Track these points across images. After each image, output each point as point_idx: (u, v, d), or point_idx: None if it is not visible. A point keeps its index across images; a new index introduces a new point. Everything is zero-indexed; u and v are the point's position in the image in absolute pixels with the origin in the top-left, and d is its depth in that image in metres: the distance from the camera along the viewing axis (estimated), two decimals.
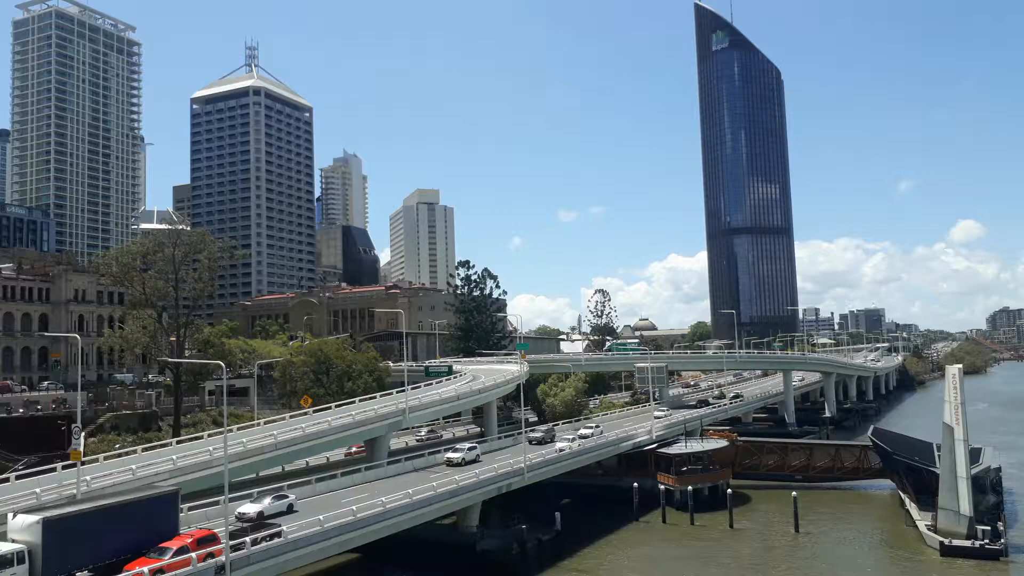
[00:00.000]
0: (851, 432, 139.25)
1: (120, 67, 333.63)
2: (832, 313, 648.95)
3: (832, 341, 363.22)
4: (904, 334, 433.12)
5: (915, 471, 74.51)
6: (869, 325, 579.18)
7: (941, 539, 63.73)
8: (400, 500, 57.59)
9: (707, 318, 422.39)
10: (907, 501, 76.22)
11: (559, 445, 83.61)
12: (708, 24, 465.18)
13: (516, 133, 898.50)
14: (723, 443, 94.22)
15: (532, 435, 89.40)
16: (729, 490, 78.67)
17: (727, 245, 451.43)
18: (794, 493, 74.87)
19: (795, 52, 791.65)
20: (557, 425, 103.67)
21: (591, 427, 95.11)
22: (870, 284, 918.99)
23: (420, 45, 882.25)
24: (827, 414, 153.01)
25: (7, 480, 52.62)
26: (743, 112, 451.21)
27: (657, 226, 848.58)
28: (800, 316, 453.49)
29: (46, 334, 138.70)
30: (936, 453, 72.13)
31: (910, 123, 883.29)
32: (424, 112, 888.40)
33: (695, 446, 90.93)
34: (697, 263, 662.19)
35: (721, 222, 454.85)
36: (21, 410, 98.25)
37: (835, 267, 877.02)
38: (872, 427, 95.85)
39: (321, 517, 50.64)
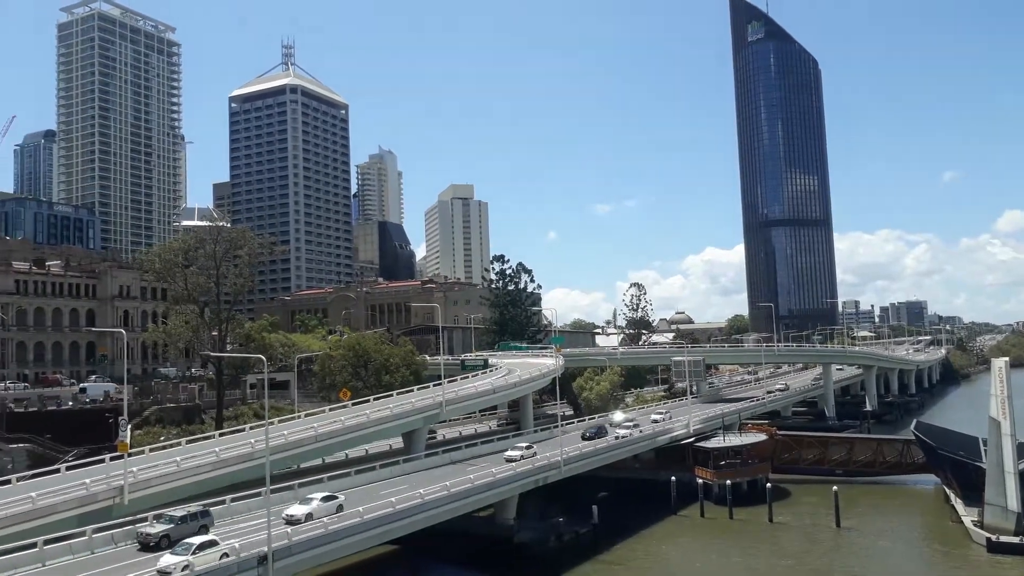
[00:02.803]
0: (893, 426, 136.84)
1: (161, 67, 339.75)
2: (872, 306, 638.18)
3: (873, 334, 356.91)
4: (948, 327, 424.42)
5: (960, 466, 73.03)
6: (911, 318, 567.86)
7: (988, 535, 62.38)
8: (438, 492, 58.03)
9: (745, 311, 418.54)
10: (952, 497, 74.72)
11: (620, 432, 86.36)
12: (743, 15, 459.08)
13: (550, 127, 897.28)
14: (762, 437, 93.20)
15: (586, 432, 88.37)
16: (768, 484, 77.89)
17: (765, 237, 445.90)
18: (835, 488, 73.85)
19: (833, 41, 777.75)
20: (602, 416, 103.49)
21: (630, 420, 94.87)
22: (912, 276, 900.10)
23: (453, 42, 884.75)
24: (868, 408, 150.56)
25: (58, 471, 54.16)
26: (780, 103, 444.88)
27: (693, 219, 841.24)
28: (840, 309, 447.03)
29: (93, 329, 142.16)
30: (982, 448, 70.65)
31: (955, 112, 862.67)
32: (458, 108, 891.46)
33: (733, 440, 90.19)
34: (734, 256, 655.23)
35: (758, 214, 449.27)
36: (70, 403, 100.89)
37: (876, 259, 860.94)
38: (915, 421, 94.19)
39: (360, 509, 51.25)
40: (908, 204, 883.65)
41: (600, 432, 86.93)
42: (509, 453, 73.53)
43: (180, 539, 43.59)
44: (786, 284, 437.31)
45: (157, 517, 47.32)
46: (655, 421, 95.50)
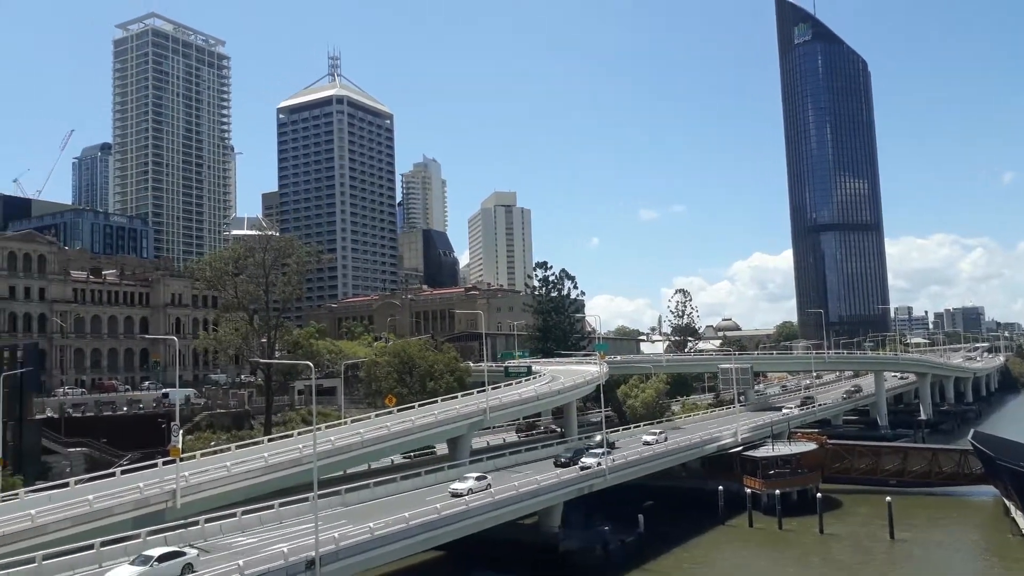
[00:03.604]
0: (949, 436, 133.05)
1: (211, 80, 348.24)
2: (926, 312, 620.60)
3: (927, 341, 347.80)
4: (1006, 333, 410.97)
5: (1021, 477, 70.56)
6: (967, 324, 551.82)
7: None
8: (483, 499, 58.08)
9: (793, 318, 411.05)
10: (1012, 509, 72.26)
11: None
12: (790, 17, 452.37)
13: (594, 134, 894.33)
14: (812, 446, 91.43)
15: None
16: (819, 494, 76.35)
17: (814, 242, 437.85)
18: (888, 498, 71.92)
19: (883, 41, 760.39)
20: (617, 431, 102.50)
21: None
22: (968, 281, 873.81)
23: (496, 50, 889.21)
24: (922, 416, 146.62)
25: (113, 474, 55.53)
26: (828, 106, 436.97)
27: (740, 224, 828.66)
28: (892, 315, 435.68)
29: (146, 336, 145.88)
30: None
31: (1013, 111, 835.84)
32: (501, 116, 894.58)
33: (782, 449, 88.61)
34: (783, 261, 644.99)
35: (807, 219, 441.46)
36: (125, 408, 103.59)
37: (929, 264, 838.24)
38: (972, 430, 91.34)
39: (407, 514, 51.55)
40: (963, 207, 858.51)
41: (577, 457, 75.42)
42: (455, 486, 61.04)
43: None
44: (836, 290, 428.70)
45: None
46: (646, 443, 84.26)
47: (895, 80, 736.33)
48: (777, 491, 76.67)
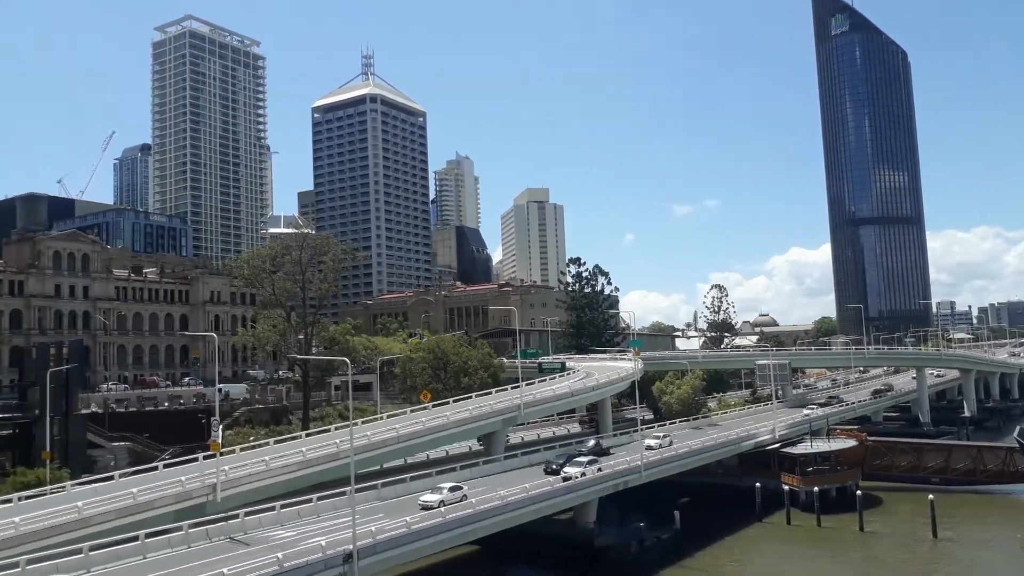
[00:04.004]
0: (994, 433, 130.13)
1: (247, 80, 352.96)
2: (970, 307, 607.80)
3: (971, 336, 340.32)
4: None
5: None
6: (1013, 319, 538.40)
7: None
8: (517, 495, 58.18)
9: (832, 313, 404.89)
10: None
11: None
12: (827, 7, 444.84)
13: (626, 128, 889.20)
14: (851, 443, 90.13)
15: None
16: (858, 492, 75.22)
17: (852, 236, 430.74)
18: (931, 496, 70.57)
19: (923, 31, 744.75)
20: (652, 427, 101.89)
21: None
22: (1013, 275, 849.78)
23: (526, 45, 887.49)
24: (966, 413, 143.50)
25: (156, 468, 56.69)
26: (866, 97, 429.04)
27: (777, 218, 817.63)
28: (934, 310, 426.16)
29: (186, 333, 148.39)
30: None
31: None
32: (533, 112, 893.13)
33: (821, 446, 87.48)
34: (821, 256, 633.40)
35: (845, 212, 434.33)
36: (166, 404, 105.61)
37: (973, 257, 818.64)
38: (1018, 427, 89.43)
39: (442, 509, 51.85)
40: (1007, 199, 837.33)
41: (566, 463, 70.04)
42: (426, 498, 55.72)
43: None
44: (875, 285, 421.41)
45: None
46: (649, 447, 78.69)
47: (936, 70, 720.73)
48: (816, 488, 75.74)
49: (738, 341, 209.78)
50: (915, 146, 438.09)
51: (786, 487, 78.02)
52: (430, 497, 55.48)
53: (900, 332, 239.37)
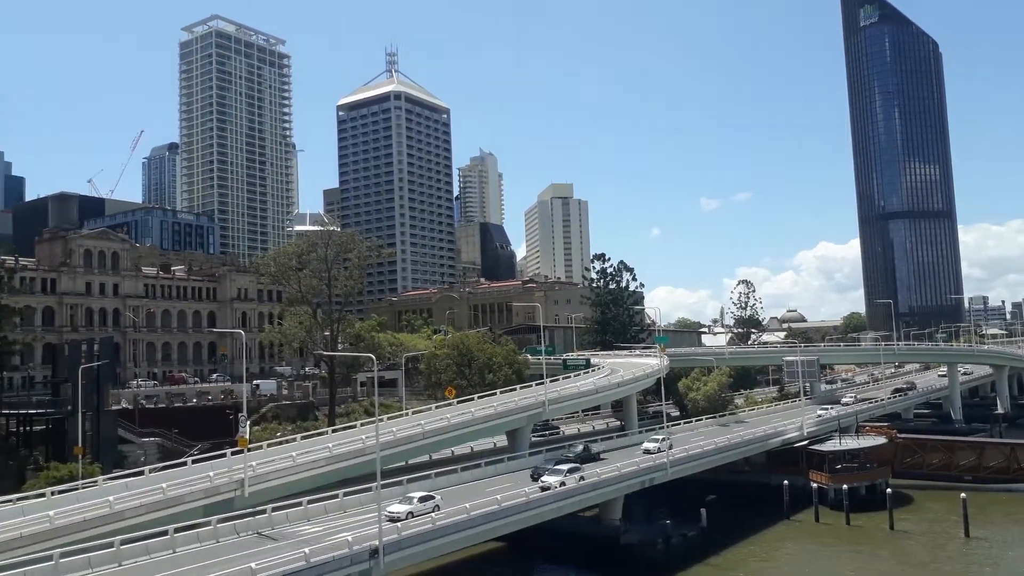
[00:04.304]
0: None
1: (272, 79, 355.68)
2: (1003, 301, 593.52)
3: (1004, 332, 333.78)
4: None
5: None
6: None
7: None
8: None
9: (861, 308, 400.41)
10: None
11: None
12: None
13: (651, 123, 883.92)
14: (881, 440, 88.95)
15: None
16: (889, 489, 74.21)
17: (882, 231, 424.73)
18: (963, 495, 69.50)
19: (955, 20, 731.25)
20: (679, 424, 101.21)
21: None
22: None
23: (549, 40, 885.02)
24: (999, 410, 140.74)
25: (184, 464, 57.33)
26: (896, 89, 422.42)
27: (805, 212, 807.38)
28: (966, 305, 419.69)
29: (214, 330, 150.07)
30: None
31: None
32: (556, 107, 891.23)
33: (850, 443, 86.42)
34: (849, 250, 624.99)
35: (875, 207, 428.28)
36: (194, 400, 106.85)
37: (1007, 252, 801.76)
38: None
39: (468, 505, 51.88)
40: None
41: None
42: (393, 508, 51.46)
43: None
44: (906, 280, 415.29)
45: None
46: (647, 451, 74.43)
47: (969, 60, 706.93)
48: (844, 486, 74.85)
49: (765, 337, 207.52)
50: (947, 138, 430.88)
51: (815, 485, 77.18)
52: (398, 508, 51.38)
53: (931, 328, 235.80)
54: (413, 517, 50.51)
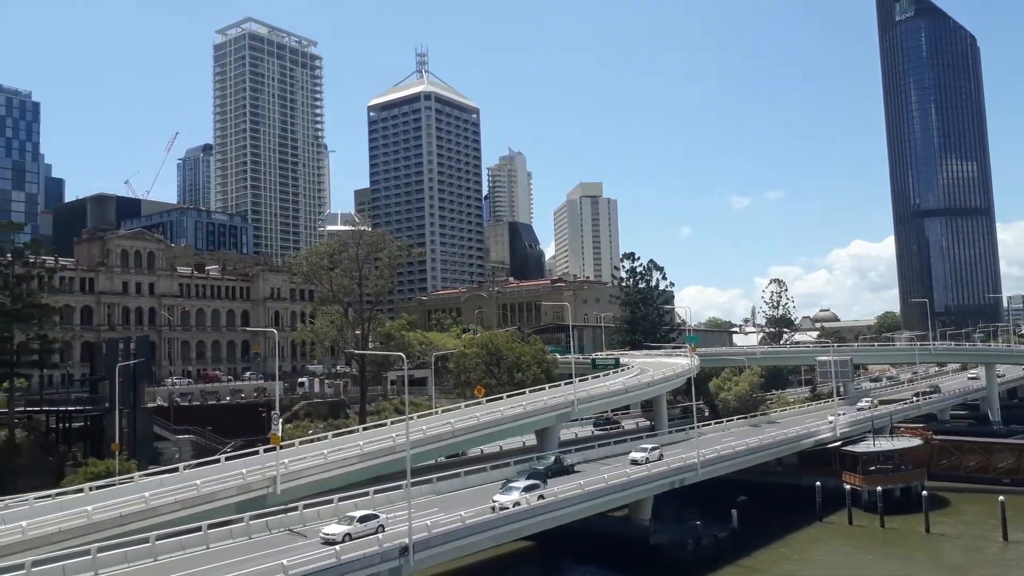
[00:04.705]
0: None
1: (304, 80, 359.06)
2: None
3: None
4: None
5: None
6: None
7: None
8: (572, 491, 58.03)
9: (895, 308, 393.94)
10: None
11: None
12: None
13: (682, 119, 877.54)
14: (916, 441, 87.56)
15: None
16: (924, 492, 73.07)
17: (917, 229, 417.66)
18: (1001, 498, 68.19)
19: (993, 14, 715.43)
20: (709, 425, 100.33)
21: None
22: None
23: (578, 39, 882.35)
24: None
25: (218, 461, 58.21)
26: (932, 85, 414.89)
27: (839, 210, 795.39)
28: (1004, 304, 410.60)
29: (247, 329, 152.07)
30: None
31: None
32: (585, 106, 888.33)
33: (884, 444, 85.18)
34: (884, 249, 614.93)
35: (910, 204, 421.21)
36: (228, 398, 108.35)
37: None
38: None
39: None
40: None
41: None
42: (328, 530, 46.47)
43: None
44: (942, 279, 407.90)
45: None
46: (634, 462, 69.76)
47: (1008, 53, 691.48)
48: (879, 488, 73.90)
49: (798, 337, 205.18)
50: (984, 134, 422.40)
51: (848, 486, 76.26)
52: (334, 529, 46.24)
53: (968, 327, 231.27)
54: (351, 539, 45.13)
